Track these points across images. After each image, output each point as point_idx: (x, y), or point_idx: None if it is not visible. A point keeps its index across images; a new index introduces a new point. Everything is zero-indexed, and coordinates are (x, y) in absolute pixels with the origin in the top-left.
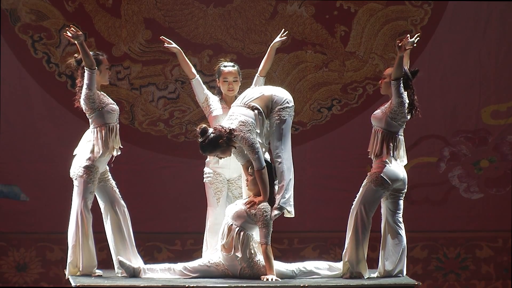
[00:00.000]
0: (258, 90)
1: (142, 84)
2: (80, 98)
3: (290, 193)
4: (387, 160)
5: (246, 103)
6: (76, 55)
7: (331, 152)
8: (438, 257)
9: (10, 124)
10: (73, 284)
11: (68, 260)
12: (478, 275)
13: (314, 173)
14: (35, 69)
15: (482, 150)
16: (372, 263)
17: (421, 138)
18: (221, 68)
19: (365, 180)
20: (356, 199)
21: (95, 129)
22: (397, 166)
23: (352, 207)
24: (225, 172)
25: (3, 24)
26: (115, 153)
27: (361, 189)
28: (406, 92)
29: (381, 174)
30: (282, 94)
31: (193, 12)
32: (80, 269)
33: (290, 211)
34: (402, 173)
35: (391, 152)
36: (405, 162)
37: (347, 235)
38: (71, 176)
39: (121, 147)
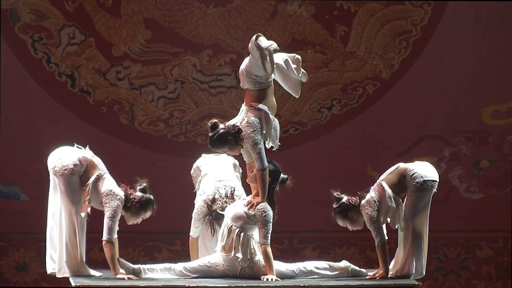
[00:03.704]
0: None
1: (142, 84)
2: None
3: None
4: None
5: (251, 105)
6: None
7: (331, 152)
8: (439, 257)
9: (10, 124)
10: (73, 284)
11: (64, 259)
12: (479, 275)
13: (314, 173)
14: (35, 69)
15: (483, 150)
16: (372, 263)
17: (421, 138)
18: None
19: (408, 191)
20: (405, 211)
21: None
22: (424, 163)
23: (404, 220)
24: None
25: (3, 24)
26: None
27: (407, 200)
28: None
29: (423, 179)
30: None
31: (193, 12)
32: (68, 268)
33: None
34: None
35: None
36: None
37: (399, 247)
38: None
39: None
